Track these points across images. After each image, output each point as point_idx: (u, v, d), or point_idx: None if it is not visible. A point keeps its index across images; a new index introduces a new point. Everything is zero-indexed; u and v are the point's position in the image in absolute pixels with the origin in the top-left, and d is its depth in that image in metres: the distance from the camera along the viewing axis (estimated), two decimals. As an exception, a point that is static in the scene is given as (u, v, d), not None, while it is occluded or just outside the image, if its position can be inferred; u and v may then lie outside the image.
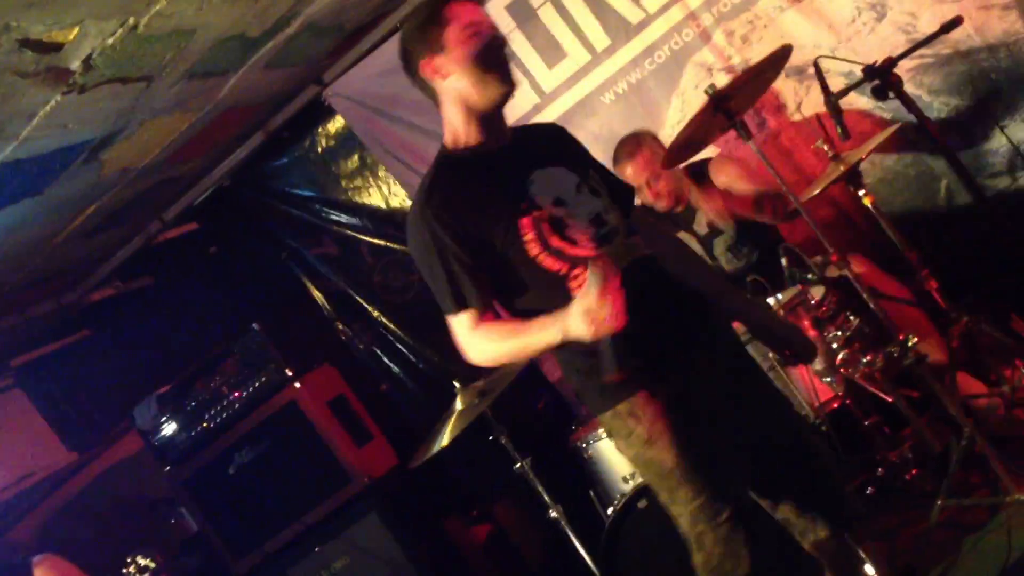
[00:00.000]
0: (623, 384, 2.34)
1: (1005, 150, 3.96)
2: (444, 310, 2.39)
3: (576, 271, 2.35)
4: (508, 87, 2.42)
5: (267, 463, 4.89)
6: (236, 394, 4.96)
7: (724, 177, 4.08)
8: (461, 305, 2.34)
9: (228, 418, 4.95)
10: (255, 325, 4.93)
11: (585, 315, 2.12)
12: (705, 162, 4.19)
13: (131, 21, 3.22)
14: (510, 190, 2.40)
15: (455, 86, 2.40)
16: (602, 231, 2.41)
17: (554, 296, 2.32)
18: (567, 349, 2.32)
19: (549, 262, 2.36)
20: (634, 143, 4.10)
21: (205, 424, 4.99)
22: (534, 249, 2.35)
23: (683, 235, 4.15)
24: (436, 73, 2.41)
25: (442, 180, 2.42)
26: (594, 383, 2.37)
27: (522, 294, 2.40)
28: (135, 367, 5.42)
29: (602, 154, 4.27)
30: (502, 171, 2.46)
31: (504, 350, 2.36)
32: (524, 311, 2.38)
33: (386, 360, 5.64)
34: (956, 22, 3.32)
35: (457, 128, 2.45)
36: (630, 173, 4.06)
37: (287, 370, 4.88)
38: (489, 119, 2.45)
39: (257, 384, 4.94)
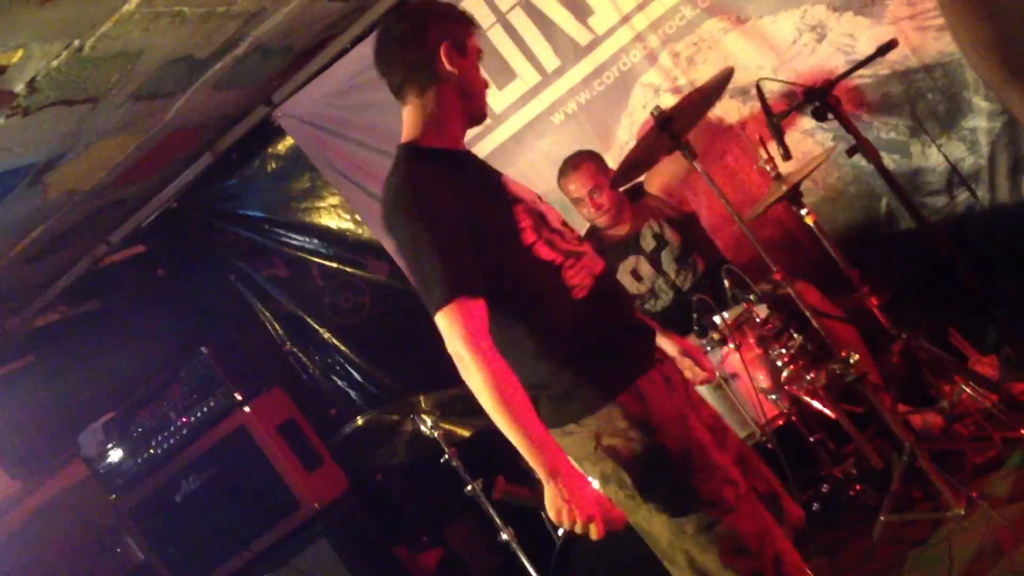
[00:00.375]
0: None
1: (943, 168, 4.04)
2: (436, 299, 2.14)
3: (570, 261, 2.32)
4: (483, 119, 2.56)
5: (215, 490, 4.84)
6: (184, 420, 4.91)
7: (658, 179, 4.24)
8: (457, 290, 2.14)
9: (175, 444, 4.90)
10: (203, 349, 4.89)
11: (560, 507, 2.08)
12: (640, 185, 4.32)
13: (76, 43, 3.20)
14: (494, 183, 2.40)
15: (459, 83, 2.43)
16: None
17: (548, 288, 2.29)
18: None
19: (545, 251, 2.31)
20: (577, 158, 4.20)
21: (152, 451, 4.93)
22: (530, 237, 2.30)
23: (632, 258, 4.20)
24: (451, 61, 2.40)
25: (429, 166, 2.33)
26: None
27: (513, 288, 2.28)
28: (80, 393, 5.33)
29: (554, 174, 4.34)
30: (481, 167, 2.49)
31: (496, 403, 2.11)
32: (513, 307, 2.27)
33: (337, 383, 5.60)
34: (891, 45, 3.38)
35: (440, 122, 2.42)
36: (573, 186, 4.16)
37: (236, 394, 4.84)
38: (464, 130, 2.49)
39: (205, 409, 4.89)
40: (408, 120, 2.47)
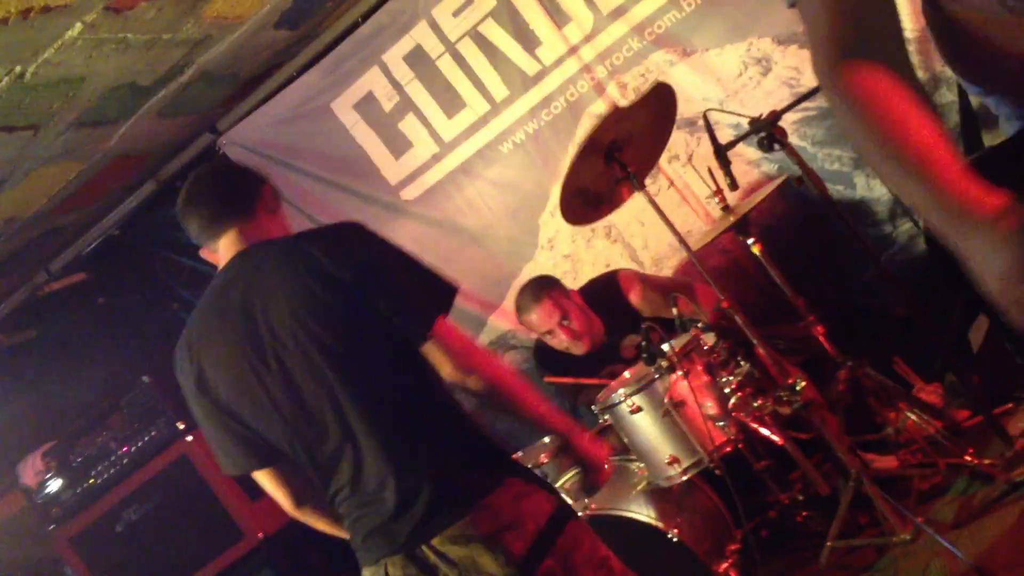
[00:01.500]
0: None
1: (886, 199, 4.11)
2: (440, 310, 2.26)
3: None
4: None
5: (157, 519, 4.76)
6: (125, 449, 4.84)
7: (635, 296, 3.98)
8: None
9: (116, 474, 4.82)
10: (145, 377, 4.82)
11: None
12: (611, 278, 4.08)
13: (18, 69, 3.16)
14: None
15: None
16: None
17: None
18: None
19: None
20: (535, 289, 4.02)
21: (92, 480, 4.84)
22: None
23: (608, 367, 3.99)
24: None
25: None
26: None
27: None
28: (19, 422, 5.21)
29: (503, 203, 4.36)
30: None
31: None
32: None
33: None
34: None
35: None
36: (535, 320, 3.99)
37: (178, 423, 4.77)
38: None
39: (147, 438, 4.83)
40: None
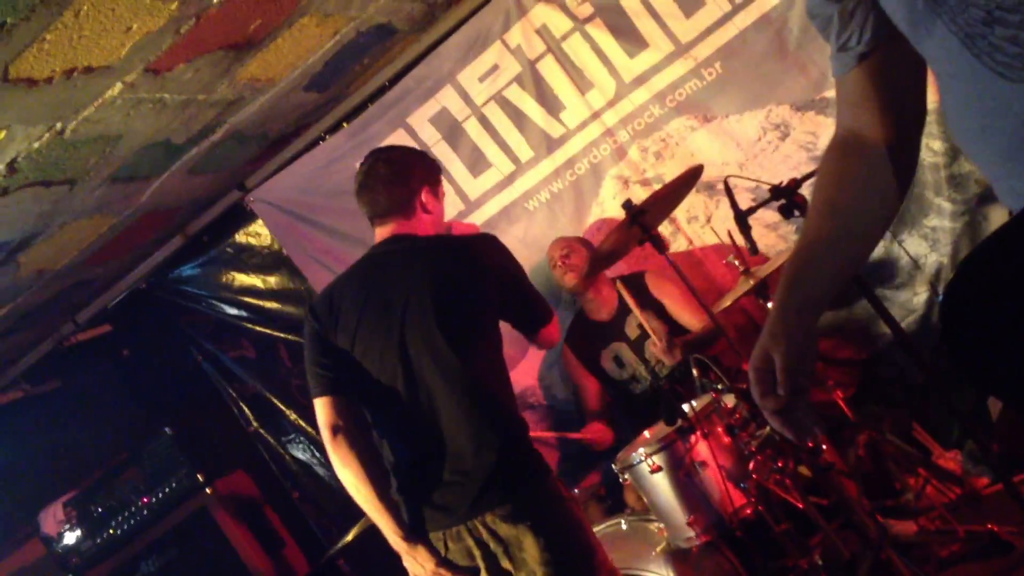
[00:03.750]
0: None
1: (905, 263, 4.13)
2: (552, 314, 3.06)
3: None
4: None
5: (175, 571, 4.79)
6: (145, 500, 4.87)
7: (659, 292, 4.30)
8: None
9: (136, 525, 4.85)
10: (167, 429, 4.87)
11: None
12: (640, 275, 4.37)
13: (58, 126, 3.25)
14: None
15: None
16: None
17: None
18: None
19: None
20: (566, 235, 4.51)
21: (111, 531, 4.87)
22: None
23: (615, 344, 4.29)
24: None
25: None
26: None
27: None
28: (41, 472, 5.26)
29: (527, 258, 4.44)
30: None
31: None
32: None
33: (302, 465, 5.56)
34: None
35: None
36: (553, 252, 4.41)
37: (198, 475, 4.82)
38: None
39: (167, 490, 4.86)
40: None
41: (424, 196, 2.99)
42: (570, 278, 4.32)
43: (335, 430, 2.71)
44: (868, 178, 1.55)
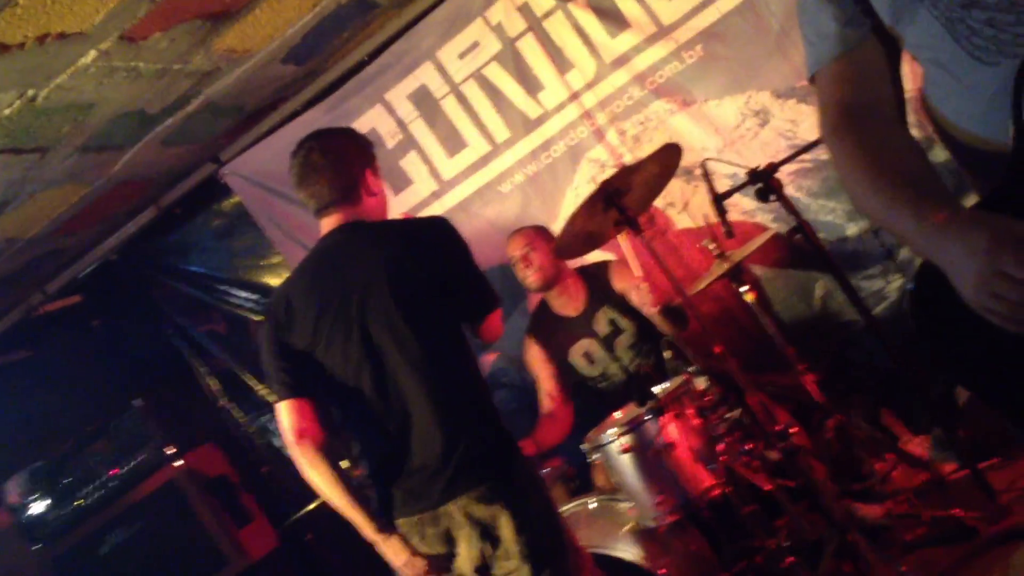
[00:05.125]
0: None
1: (879, 253, 4.16)
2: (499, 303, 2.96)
3: None
4: None
5: (142, 543, 4.77)
6: (113, 472, 4.84)
7: (622, 283, 4.20)
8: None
9: (103, 496, 4.83)
10: (136, 401, 4.84)
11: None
12: (603, 265, 4.32)
13: (30, 93, 3.21)
14: None
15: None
16: None
17: None
18: None
19: None
20: (524, 226, 4.36)
21: (79, 501, 4.85)
22: None
23: (584, 340, 4.23)
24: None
25: None
26: None
27: None
28: (9, 441, 5.22)
29: (500, 242, 4.41)
30: None
31: None
32: None
33: (271, 441, 5.55)
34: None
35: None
36: (513, 247, 4.28)
37: (167, 448, 4.79)
38: None
39: (135, 462, 4.84)
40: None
41: (368, 179, 2.94)
42: (534, 279, 4.23)
43: (300, 434, 2.68)
44: (905, 141, 1.53)
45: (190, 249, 5.49)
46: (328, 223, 2.89)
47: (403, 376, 2.68)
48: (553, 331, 4.34)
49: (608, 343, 4.20)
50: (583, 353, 4.25)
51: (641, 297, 4.02)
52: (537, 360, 4.39)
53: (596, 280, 4.27)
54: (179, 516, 4.75)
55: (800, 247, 4.11)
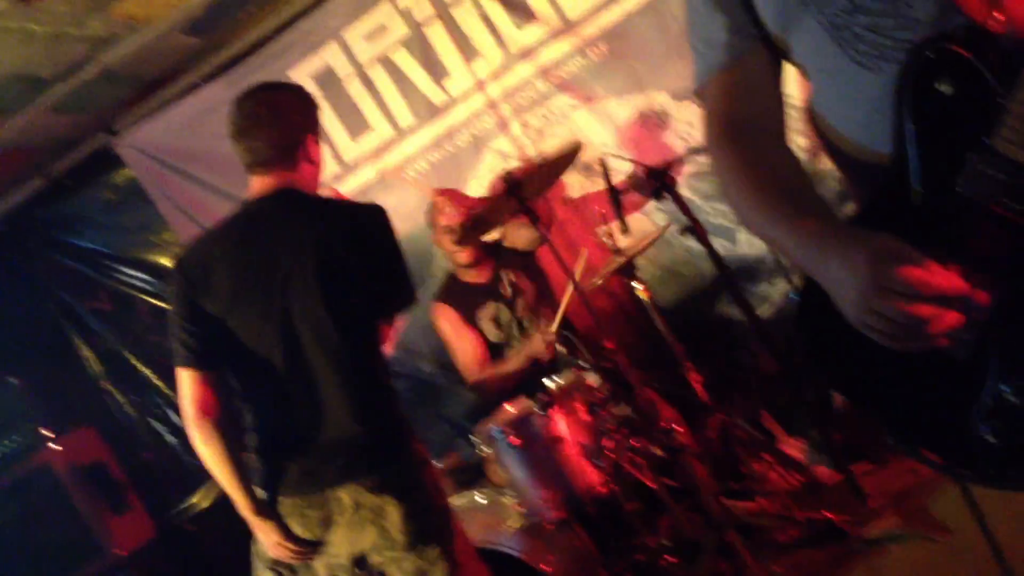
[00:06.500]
0: None
1: (767, 257, 4.26)
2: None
3: None
4: None
5: (12, 529, 4.60)
6: (-18, 452, 4.67)
7: (445, 219, 4.13)
8: None
9: (-30, 479, 4.63)
10: (12, 379, 4.66)
11: None
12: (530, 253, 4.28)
13: (-88, 47, 3.06)
14: None
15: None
16: None
17: None
18: None
19: None
20: (443, 190, 4.27)
21: (-58, 484, 4.65)
22: None
23: (492, 304, 4.18)
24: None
25: None
26: None
27: None
28: None
29: (399, 229, 4.31)
30: None
31: None
32: None
33: (154, 425, 5.39)
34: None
35: None
36: (448, 211, 4.12)
37: (43, 430, 4.63)
38: None
39: (9, 443, 4.67)
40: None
41: (309, 145, 2.80)
42: (465, 257, 4.14)
43: (202, 410, 2.59)
44: (786, 157, 1.55)
45: (78, 222, 5.30)
46: (260, 182, 2.74)
47: (316, 361, 2.61)
48: (463, 296, 4.25)
49: (512, 306, 4.18)
50: (491, 317, 4.21)
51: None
52: (453, 324, 4.25)
53: (496, 246, 4.24)
54: (52, 502, 4.60)
55: (693, 249, 4.20)
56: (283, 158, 2.74)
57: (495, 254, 4.27)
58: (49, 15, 3.39)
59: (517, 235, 4.12)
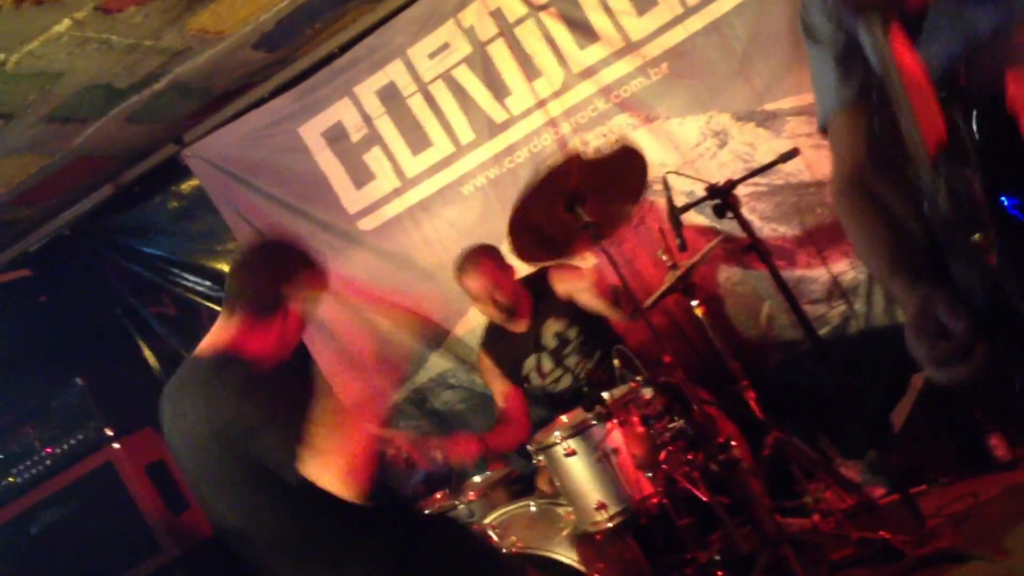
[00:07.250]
0: None
1: (825, 279, 4.24)
2: None
3: None
4: None
5: (75, 525, 4.70)
6: (49, 450, 4.77)
7: (564, 285, 4.14)
8: None
9: (37, 474, 4.75)
10: (78, 380, 4.77)
11: None
12: (543, 272, 4.24)
13: (1, 57, 3.18)
14: None
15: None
16: None
17: None
18: None
19: None
20: (476, 255, 4.16)
21: (11, 479, 4.76)
22: None
23: (534, 356, 4.19)
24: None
25: None
26: None
27: None
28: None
29: (458, 243, 4.43)
30: None
31: None
32: None
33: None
34: (793, 153, 3.59)
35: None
36: (473, 285, 4.12)
37: (107, 430, 4.73)
38: None
39: (73, 441, 4.78)
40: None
41: (285, 291, 2.59)
42: (500, 318, 4.17)
43: None
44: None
45: (146, 230, 5.44)
46: (216, 329, 2.62)
47: None
48: (505, 346, 4.27)
49: (557, 356, 4.17)
50: (534, 367, 4.22)
51: (589, 295, 4.00)
52: (491, 373, 4.35)
53: (539, 290, 4.19)
54: (114, 500, 4.69)
55: (750, 267, 4.22)
56: (248, 303, 2.61)
57: (536, 297, 4.20)
58: (128, 26, 3.49)
59: (583, 295, 4.07)
